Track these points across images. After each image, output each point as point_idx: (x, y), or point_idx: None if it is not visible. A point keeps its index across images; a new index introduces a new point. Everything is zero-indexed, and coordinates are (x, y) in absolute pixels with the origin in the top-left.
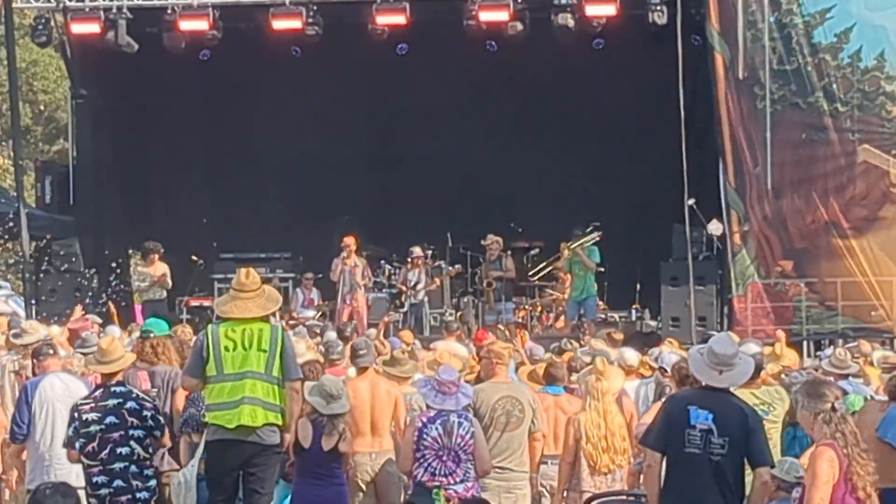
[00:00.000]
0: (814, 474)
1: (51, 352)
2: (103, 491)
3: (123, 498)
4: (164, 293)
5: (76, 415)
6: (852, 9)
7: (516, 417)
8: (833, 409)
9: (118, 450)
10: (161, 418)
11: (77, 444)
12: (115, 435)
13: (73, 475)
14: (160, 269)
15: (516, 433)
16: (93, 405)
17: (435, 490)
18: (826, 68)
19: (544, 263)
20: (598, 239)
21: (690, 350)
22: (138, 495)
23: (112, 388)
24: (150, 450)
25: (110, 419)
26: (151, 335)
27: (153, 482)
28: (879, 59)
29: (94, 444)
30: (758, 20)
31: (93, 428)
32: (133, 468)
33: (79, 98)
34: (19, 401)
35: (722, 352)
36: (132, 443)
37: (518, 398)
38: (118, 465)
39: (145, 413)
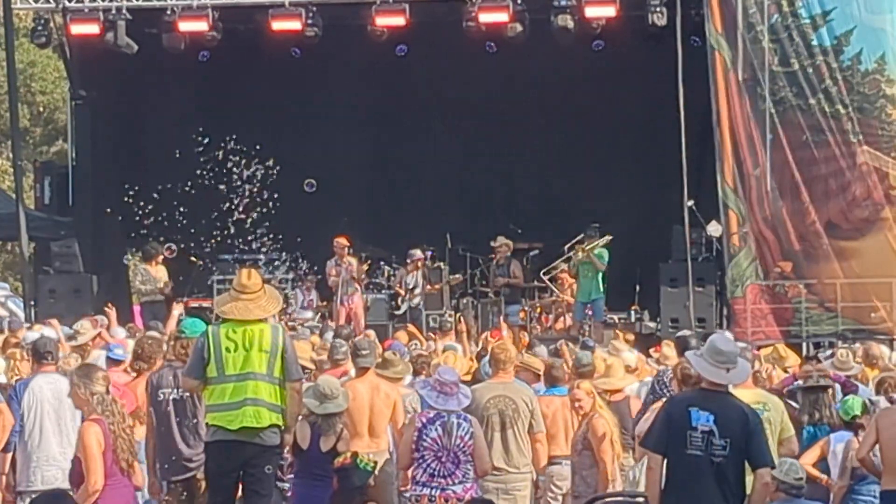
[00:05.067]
0: (84, 445)
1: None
2: None
3: None
4: (164, 295)
5: None
6: (853, 11)
7: (510, 417)
8: (107, 391)
9: None
10: None
11: None
12: None
13: (61, 476)
14: (163, 270)
15: (511, 433)
16: None
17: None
18: (826, 70)
19: (554, 265)
20: (608, 241)
21: (686, 353)
22: None
23: None
24: None
25: None
26: (184, 335)
27: None
28: (880, 61)
29: None
30: (758, 21)
31: None
32: None
33: (78, 99)
34: (10, 401)
35: (728, 349)
36: None
37: (512, 398)
38: None
39: None
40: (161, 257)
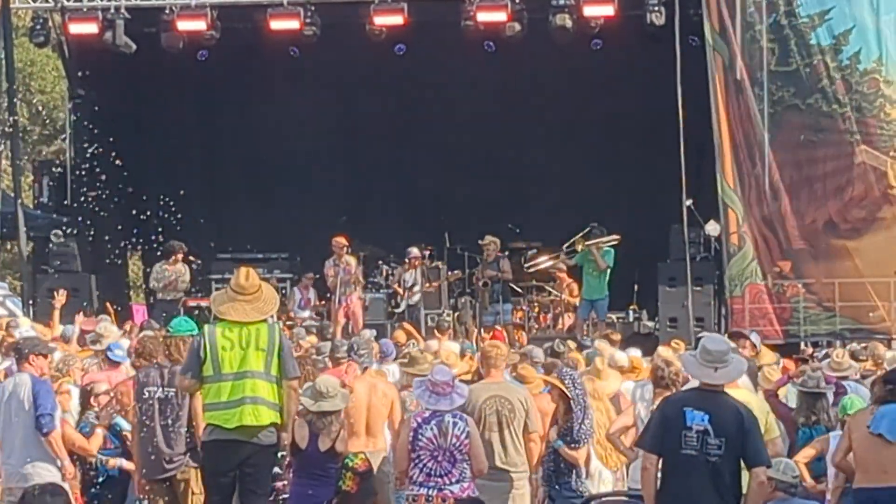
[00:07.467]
0: None
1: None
2: None
3: None
4: (182, 294)
5: None
6: (851, 10)
7: (506, 417)
8: None
9: None
10: None
11: None
12: None
13: (16, 478)
14: (183, 268)
15: (507, 433)
16: None
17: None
18: (825, 69)
19: (537, 261)
20: (615, 242)
21: (683, 353)
22: None
23: None
24: None
25: None
26: (171, 335)
27: None
28: (878, 61)
29: None
30: (756, 21)
31: None
32: None
33: (76, 98)
34: None
35: (716, 349)
36: None
37: (508, 397)
38: None
39: None
40: (181, 255)
